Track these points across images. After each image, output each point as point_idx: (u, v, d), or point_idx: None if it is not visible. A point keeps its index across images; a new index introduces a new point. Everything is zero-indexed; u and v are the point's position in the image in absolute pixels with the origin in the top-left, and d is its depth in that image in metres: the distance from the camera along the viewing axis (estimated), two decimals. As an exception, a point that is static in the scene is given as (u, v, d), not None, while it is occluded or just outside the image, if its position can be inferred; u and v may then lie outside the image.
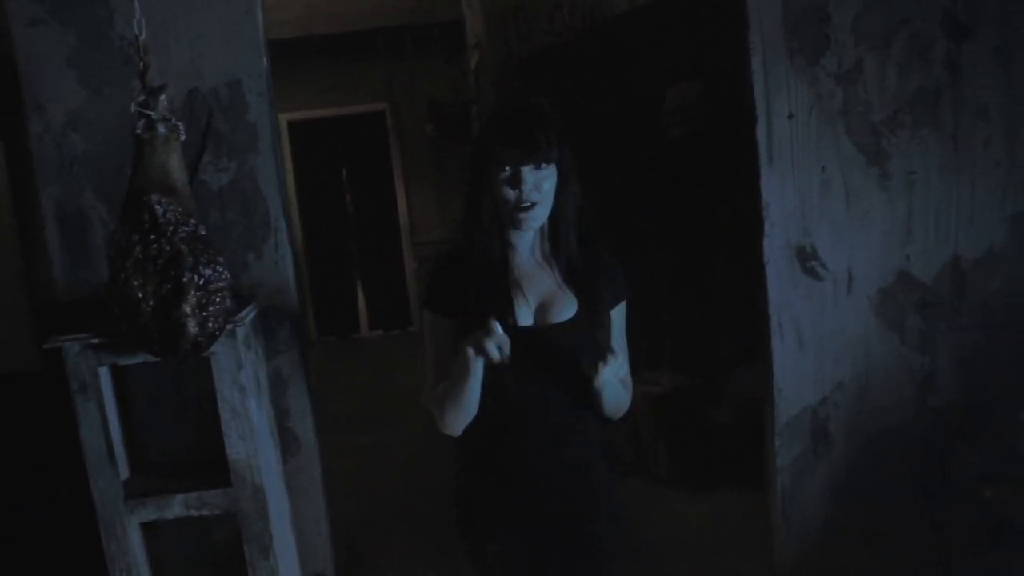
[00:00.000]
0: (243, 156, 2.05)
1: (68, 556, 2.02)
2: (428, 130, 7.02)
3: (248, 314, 1.86)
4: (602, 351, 1.54)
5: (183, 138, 1.76)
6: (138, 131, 1.71)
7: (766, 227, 2.16)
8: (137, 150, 1.72)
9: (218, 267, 1.71)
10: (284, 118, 6.98)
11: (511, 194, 1.58)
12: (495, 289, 1.63)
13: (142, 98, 1.71)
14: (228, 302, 1.74)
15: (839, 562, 2.31)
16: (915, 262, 2.22)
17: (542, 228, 1.66)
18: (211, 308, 1.70)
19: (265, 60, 2.03)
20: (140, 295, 1.68)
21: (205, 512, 1.88)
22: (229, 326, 1.77)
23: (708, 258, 4.15)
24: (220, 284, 1.71)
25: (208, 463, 1.94)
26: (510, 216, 1.62)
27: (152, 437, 2.01)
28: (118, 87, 1.96)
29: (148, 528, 1.96)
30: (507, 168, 1.58)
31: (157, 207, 1.67)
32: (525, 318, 1.63)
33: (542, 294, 1.66)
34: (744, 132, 2.16)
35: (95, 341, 1.80)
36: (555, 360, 1.64)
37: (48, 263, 2.02)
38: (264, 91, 2.03)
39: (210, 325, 1.71)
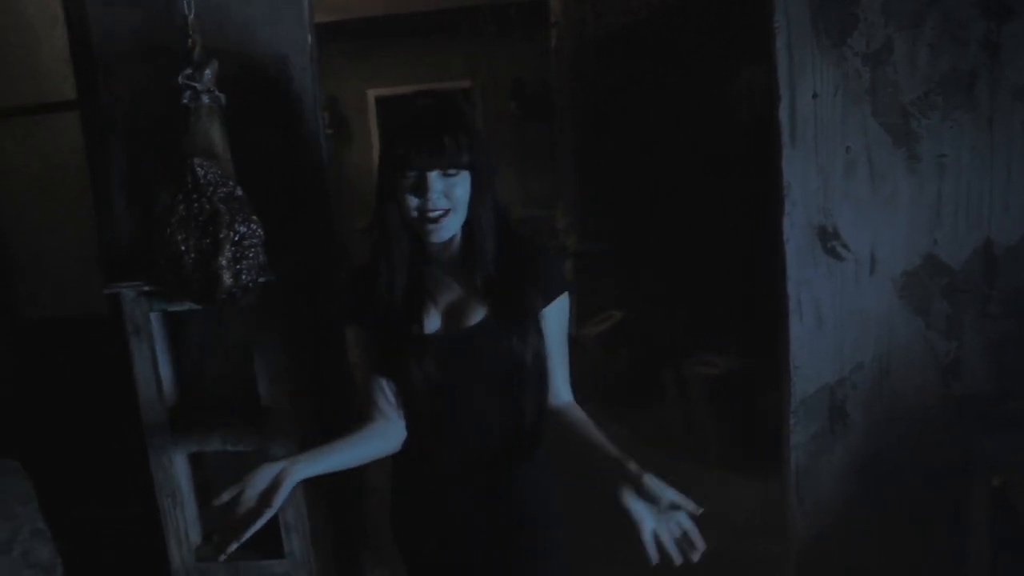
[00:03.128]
0: (288, 125, 2.22)
1: (124, 483, 2.25)
2: (511, 107, 7.14)
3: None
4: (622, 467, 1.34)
5: (225, 108, 1.94)
6: (185, 101, 1.89)
7: (787, 207, 2.18)
8: (184, 118, 1.91)
9: (252, 225, 1.88)
10: (371, 94, 7.24)
11: (415, 202, 1.46)
12: (404, 297, 1.54)
13: (189, 71, 1.90)
14: (261, 257, 1.91)
15: (854, 542, 2.33)
16: (944, 246, 2.20)
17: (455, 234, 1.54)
18: (244, 262, 1.87)
19: (310, 38, 2.18)
20: (183, 248, 1.87)
21: (240, 448, 2.07)
22: (262, 279, 1.94)
23: (767, 241, 4.13)
24: (254, 240, 1.88)
25: (250, 403, 2.12)
26: (417, 225, 1.49)
27: (200, 378, 2.22)
28: (177, 62, 2.15)
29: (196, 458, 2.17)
30: (411, 173, 1.45)
31: (199, 169, 1.85)
32: (432, 324, 1.54)
33: (452, 300, 1.56)
34: (767, 113, 2.19)
35: (147, 289, 2.00)
36: (469, 367, 1.54)
37: (115, 220, 2.24)
38: (308, 66, 2.18)
39: (243, 277, 1.89)
